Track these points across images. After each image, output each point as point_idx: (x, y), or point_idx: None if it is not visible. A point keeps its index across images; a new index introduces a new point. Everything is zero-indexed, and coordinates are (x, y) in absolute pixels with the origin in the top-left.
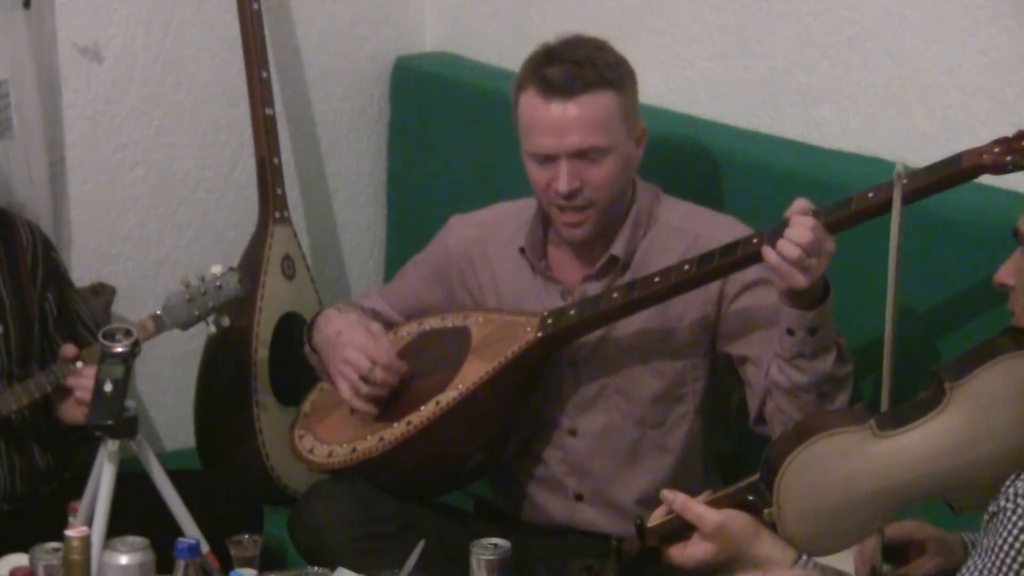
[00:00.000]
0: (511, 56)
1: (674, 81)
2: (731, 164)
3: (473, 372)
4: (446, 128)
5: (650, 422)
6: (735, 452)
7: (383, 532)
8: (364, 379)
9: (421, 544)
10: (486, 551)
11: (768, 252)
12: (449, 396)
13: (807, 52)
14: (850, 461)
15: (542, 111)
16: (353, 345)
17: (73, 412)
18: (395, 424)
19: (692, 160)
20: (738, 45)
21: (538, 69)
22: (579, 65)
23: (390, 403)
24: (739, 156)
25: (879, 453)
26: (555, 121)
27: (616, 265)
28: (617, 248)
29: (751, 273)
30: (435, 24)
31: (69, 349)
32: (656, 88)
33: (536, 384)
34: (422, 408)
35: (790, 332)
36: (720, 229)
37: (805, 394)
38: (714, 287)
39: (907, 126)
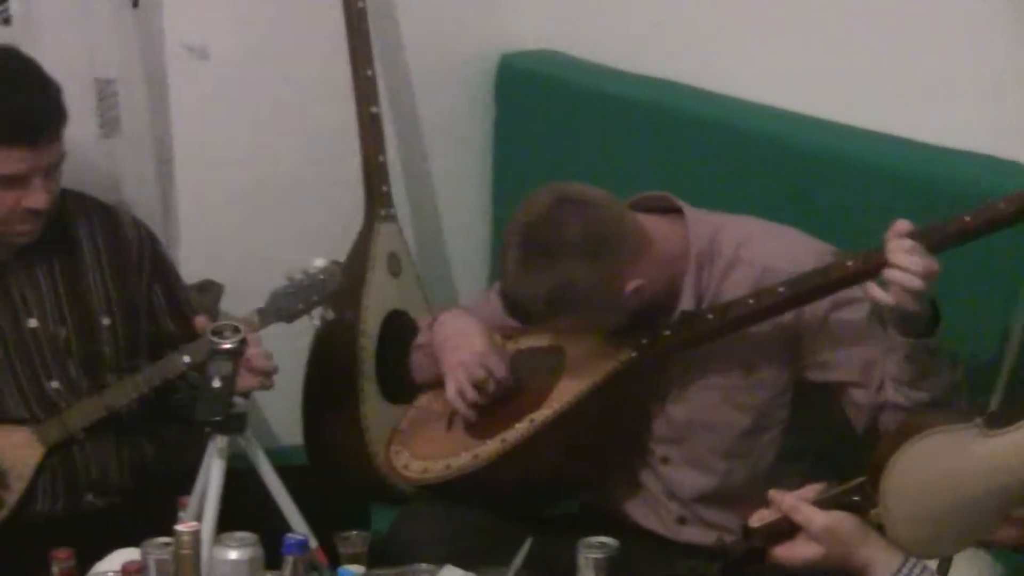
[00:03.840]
0: (615, 53)
1: (771, 76)
2: (827, 160)
3: (567, 391)
4: (550, 126)
5: (739, 454)
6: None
7: (478, 546)
8: (475, 386)
9: (528, 542)
10: (594, 550)
11: (875, 290)
12: (543, 414)
13: (908, 47)
14: (957, 459)
15: None
16: (472, 350)
17: (249, 381)
18: (489, 441)
19: (789, 156)
20: (837, 39)
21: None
22: (521, 309)
23: (485, 420)
24: (836, 152)
25: (988, 452)
26: None
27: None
28: (686, 302)
29: (823, 301)
30: (539, 22)
31: (201, 320)
32: (752, 83)
33: (630, 404)
34: (516, 426)
35: (908, 359)
36: (783, 257)
37: (926, 406)
38: (791, 320)
39: (1018, 123)
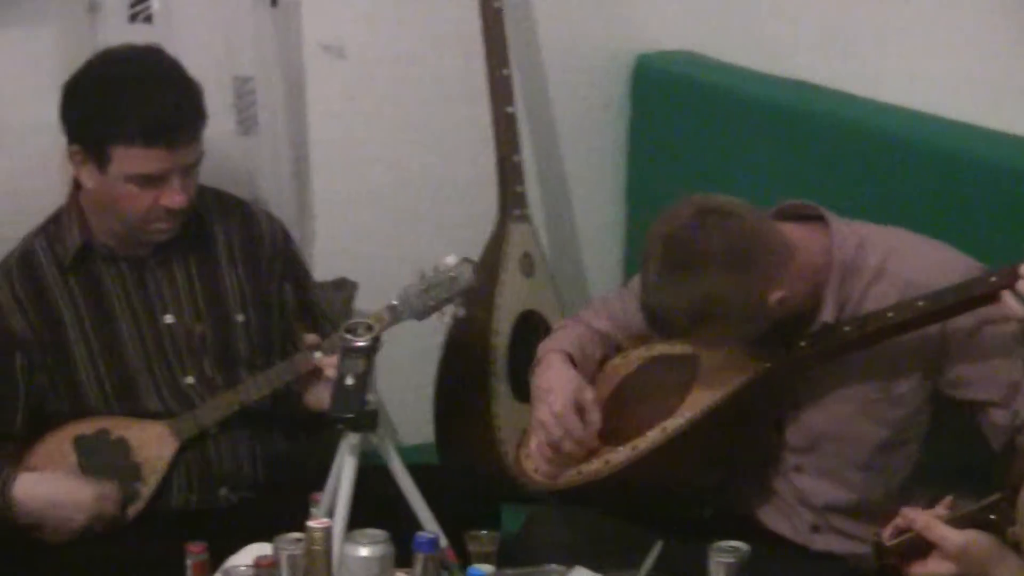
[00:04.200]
0: (754, 55)
1: (912, 78)
2: (972, 165)
3: (701, 400)
4: (687, 127)
5: (874, 467)
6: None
7: (608, 550)
8: (550, 446)
9: (659, 545)
10: (726, 554)
11: (1013, 304)
12: (676, 423)
13: None
14: None
15: None
16: (553, 411)
17: (322, 395)
18: (621, 448)
19: (933, 161)
20: (981, 43)
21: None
22: (663, 322)
23: (617, 426)
24: (982, 157)
25: None
26: None
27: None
28: (827, 314)
29: (970, 317)
30: (676, 22)
31: (311, 338)
32: (893, 85)
33: (764, 414)
34: (648, 433)
35: None
36: (928, 271)
37: None
38: (935, 335)
39: None
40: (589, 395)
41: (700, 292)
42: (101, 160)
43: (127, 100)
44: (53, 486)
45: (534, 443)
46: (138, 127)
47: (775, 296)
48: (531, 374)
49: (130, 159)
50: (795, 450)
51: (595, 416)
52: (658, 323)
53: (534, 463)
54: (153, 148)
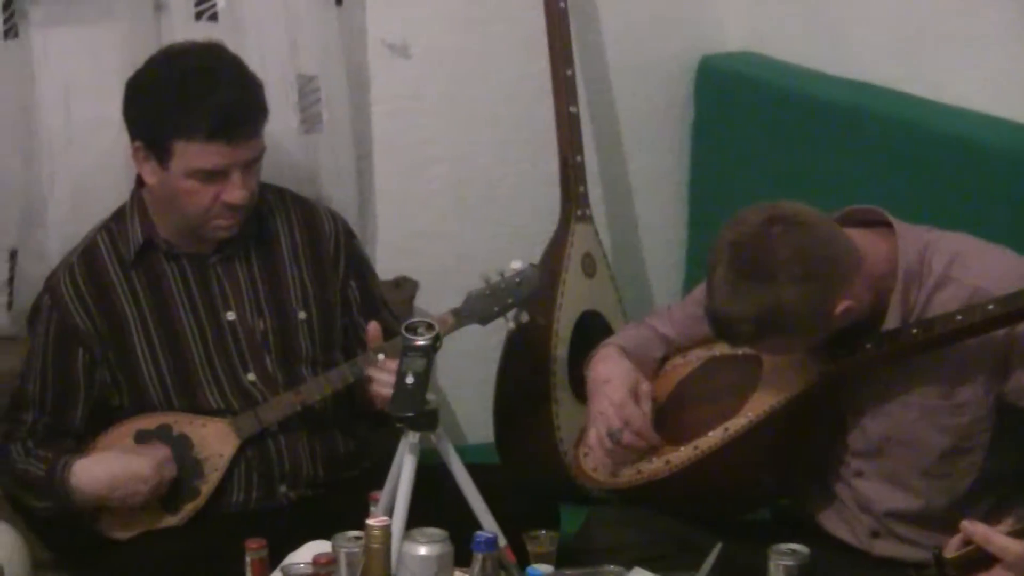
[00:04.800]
0: (819, 56)
1: (979, 81)
2: None
3: (763, 400)
4: (750, 129)
5: (937, 474)
6: None
7: (667, 551)
8: (610, 436)
9: (719, 547)
10: (785, 557)
11: None
12: (738, 423)
13: None
14: None
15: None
16: (612, 401)
17: (375, 399)
18: (682, 448)
19: (1000, 164)
20: None
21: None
22: (729, 330)
23: (678, 426)
24: None
25: None
26: None
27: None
28: (892, 320)
29: None
30: (741, 23)
31: (374, 328)
32: (959, 88)
33: (826, 417)
34: (710, 433)
35: None
36: (995, 278)
37: None
38: (1000, 342)
39: None
40: (645, 387)
41: (768, 302)
42: (163, 156)
43: (188, 95)
44: (109, 465)
45: (592, 435)
46: (199, 122)
47: (841, 307)
48: (585, 368)
49: (191, 154)
50: (857, 455)
51: (647, 408)
52: (723, 330)
53: (593, 461)
54: (214, 143)
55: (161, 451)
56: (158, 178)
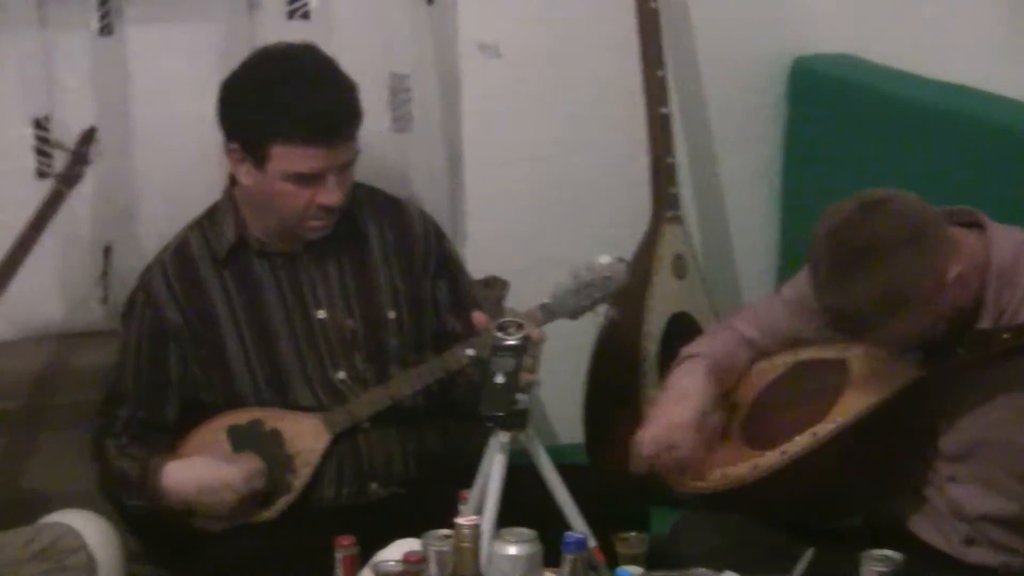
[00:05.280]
0: (913, 58)
1: None
2: None
3: (852, 405)
4: (845, 133)
5: None
6: None
7: (758, 556)
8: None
9: (811, 552)
10: (878, 563)
11: None
12: (826, 428)
13: None
14: None
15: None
16: (670, 419)
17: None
18: (769, 453)
19: None
20: None
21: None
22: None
23: (765, 431)
24: None
25: None
26: None
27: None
28: (985, 321)
29: None
30: (836, 24)
31: (480, 318)
32: None
33: (916, 422)
34: (797, 438)
35: None
36: None
37: None
38: None
39: None
40: (713, 421)
41: (883, 278)
42: (260, 158)
43: (287, 99)
44: (200, 471)
45: (645, 436)
46: (297, 126)
47: (953, 272)
48: (669, 370)
49: (289, 157)
50: (949, 459)
51: (698, 444)
52: (846, 323)
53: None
54: (312, 147)
55: (254, 463)
56: (254, 179)
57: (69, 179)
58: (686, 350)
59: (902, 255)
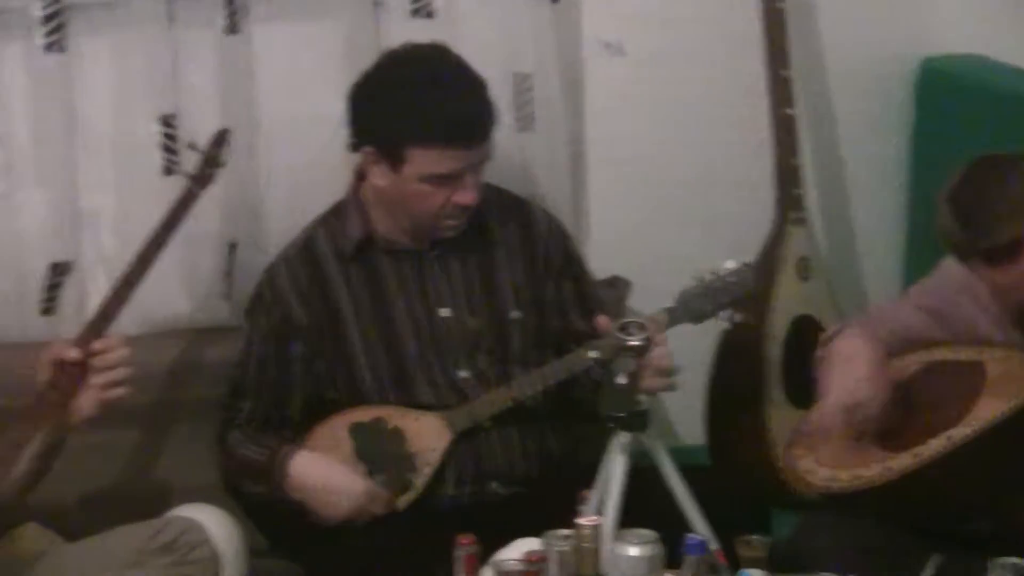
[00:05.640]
0: None
1: None
2: None
3: (988, 409)
4: (974, 134)
5: None
6: None
7: (883, 561)
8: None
9: (938, 558)
10: (1007, 571)
11: None
12: (961, 432)
13: None
14: None
15: None
16: (856, 376)
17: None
18: (901, 455)
19: None
20: None
21: None
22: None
23: (896, 432)
24: None
25: None
26: None
27: None
28: None
29: None
30: (965, 24)
31: (603, 320)
32: None
33: None
34: (931, 442)
35: None
36: None
37: None
38: None
39: None
40: (887, 366)
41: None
42: (396, 161)
43: (423, 102)
44: (329, 469)
45: (827, 407)
46: (436, 129)
47: None
48: (820, 348)
49: (427, 160)
50: None
51: (881, 393)
52: (973, 224)
53: (814, 455)
54: (451, 149)
55: (381, 490)
56: (388, 181)
57: (201, 180)
58: (824, 347)
59: None
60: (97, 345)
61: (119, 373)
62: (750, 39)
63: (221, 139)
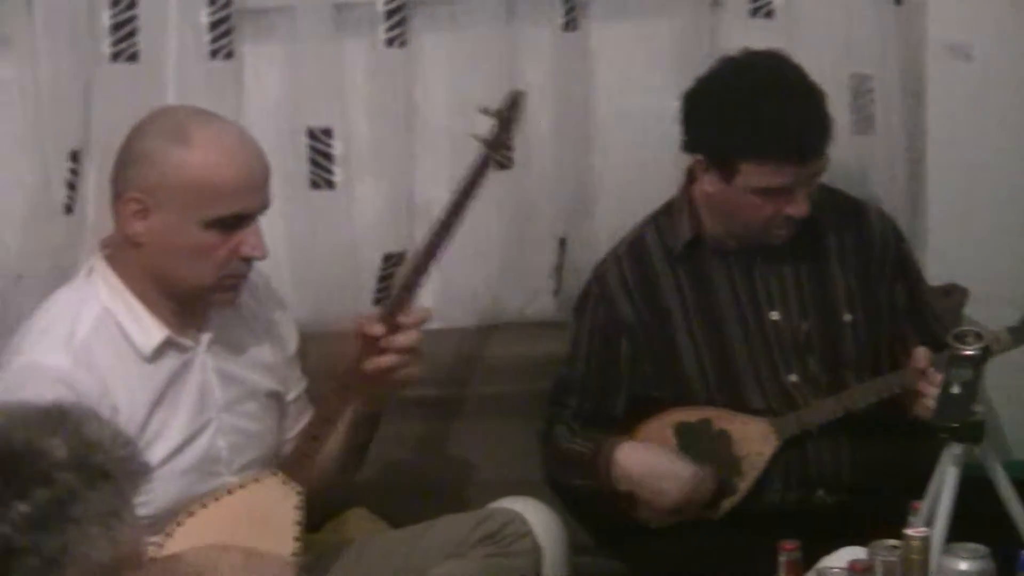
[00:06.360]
0: None
1: None
2: None
3: None
4: None
5: None
6: None
7: None
8: None
9: None
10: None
11: None
12: None
13: None
14: None
15: None
16: None
17: (920, 411)
18: None
19: None
20: None
21: None
22: None
23: None
24: None
25: None
26: None
27: None
28: None
29: None
30: None
31: (921, 354)
32: None
33: None
34: None
35: None
36: None
37: None
38: None
39: None
40: None
41: None
42: (727, 171)
43: (759, 117)
44: (655, 456)
45: None
46: (771, 145)
47: None
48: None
49: (759, 174)
50: None
51: None
52: None
53: None
54: (785, 165)
55: (707, 470)
56: (717, 189)
57: (495, 144)
58: None
59: None
60: (401, 319)
61: (415, 348)
62: None
63: (515, 101)
